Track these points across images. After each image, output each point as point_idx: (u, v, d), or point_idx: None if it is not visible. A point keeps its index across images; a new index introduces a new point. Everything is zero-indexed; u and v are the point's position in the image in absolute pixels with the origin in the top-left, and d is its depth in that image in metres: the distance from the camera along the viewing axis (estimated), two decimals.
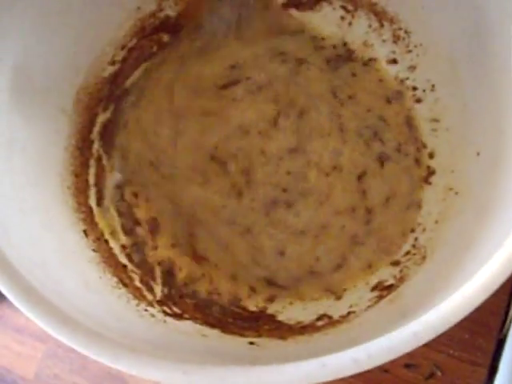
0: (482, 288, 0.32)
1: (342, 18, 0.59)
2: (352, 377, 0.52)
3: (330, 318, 0.49)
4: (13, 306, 0.45)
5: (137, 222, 0.55)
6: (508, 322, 0.54)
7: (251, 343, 0.46)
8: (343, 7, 0.59)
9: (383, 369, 0.54)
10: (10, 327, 0.66)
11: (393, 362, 0.53)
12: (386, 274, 0.51)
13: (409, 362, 0.54)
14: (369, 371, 0.52)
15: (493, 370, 0.53)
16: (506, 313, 0.54)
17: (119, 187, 0.56)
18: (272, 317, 0.52)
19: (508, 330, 0.53)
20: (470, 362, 0.53)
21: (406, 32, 0.56)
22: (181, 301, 0.51)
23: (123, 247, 0.53)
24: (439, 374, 0.53)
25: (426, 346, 0.47)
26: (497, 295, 0.53)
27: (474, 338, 0.54)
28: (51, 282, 0.39)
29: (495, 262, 0.33)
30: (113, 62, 0.57)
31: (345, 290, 0.53)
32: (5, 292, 0.36)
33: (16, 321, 0.66)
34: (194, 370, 0.32)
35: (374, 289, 0.51)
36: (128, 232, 0.55)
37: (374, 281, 0.52)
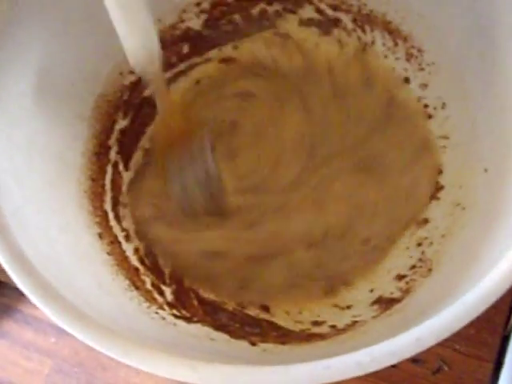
0: (483, 298, 0.33)
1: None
2: None
3: (334, 327, 0.50)
4: (19, 322, 0.46)
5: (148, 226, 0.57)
6: None
7: (255, 344, 0.47)
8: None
9: (392, 364, 0.54)
10: (16, 343, 0.66)
11: None
12: (391, 287, 0.52)
13: (416, 357, 0.54)
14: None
15: (498, 365, 0.54)
16: (511, 309, 0.55)
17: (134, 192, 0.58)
18: (274, 323, 0.53)
19: None
20: (476, 357, 0.54)
21: (418, 51, 0.57)
22: (190, 304, 0.52)
23: (136, 250, 0.55)
24: (446, 368, 0.54)
25: None
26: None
27: (479, 333, 0.55)
28: (66, 280, 0.40)
29: (496, 272, 0.34)
30: (132, 71, 0.58)
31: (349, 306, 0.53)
32: (22, 287, 0.37)
33: (22, 336, 0.66)
34: (203, 367, 0.33)
35: (376, 302, 0.52)
36: (141, 236, 0.56)
37: (376, 295, 0.53)
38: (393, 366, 0.54)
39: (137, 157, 0.59)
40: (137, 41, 0.48)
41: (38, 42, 0.49)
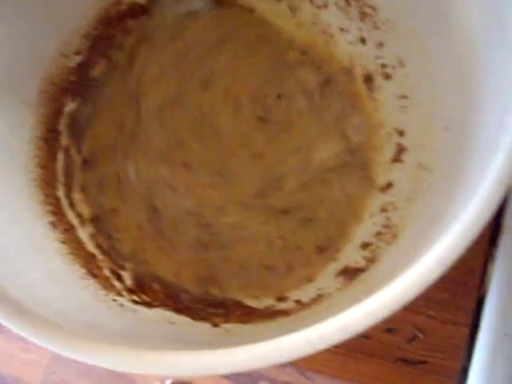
0: (437, 263, 0.32)
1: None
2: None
3: (298, 301, 0.49)
4: None
5: (104, 210, 0.55)
6: (486, 279, 0.53)
7: (217, 325, 0.46)
8: None
9: (364, 335, 0.54)
10: (13, 335, 0.66)
11: (373, 328, 0.53)
12: (356, 256, 0.51)
13: (389, 326, 0.54)
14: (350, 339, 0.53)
15: (474, 329, 0.53)
16: (484, 271, 0.54)
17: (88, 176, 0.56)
18: (239, 302, 0.51)
19: (487, 287, 0.53)
20: (450, 321, 0.53)
21: (372, 9, 0.55)
22: (150, 289, 0.51)
23: (92, 236, 0.53)
24: (421, 336, 0.53)
25: (406, 309, 0.47)
26: (473, 253, 0.54)
27: (453, 297, 0.54)
28: (11, 274, 0.40)
29: (449, 236, 0.32)
30: (78, 52, 0.56)
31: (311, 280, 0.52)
32: None
33: None
34: (147, 356, 0.32)
35: (341, 273, 0.50)
36: (98, 220, 0.55)
37: (341, 265, 0.51)
38: (366, 337, 0.53)
39: (89, 139, 0.57)
40: None
41: None
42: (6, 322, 0.34)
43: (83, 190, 0.55)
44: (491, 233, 0.54)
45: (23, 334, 0.34)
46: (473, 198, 0.33)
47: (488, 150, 0.36)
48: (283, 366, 0.67)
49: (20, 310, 0.35)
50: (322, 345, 0.31)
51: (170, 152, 0.57)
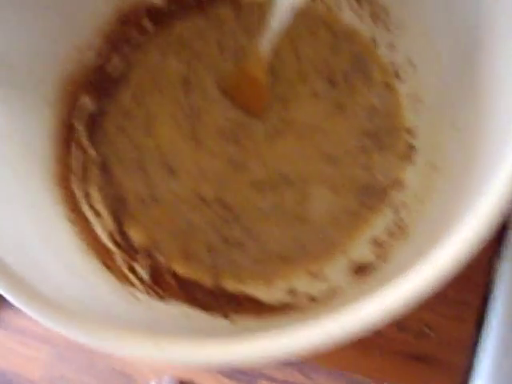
0: (453, 258, 0.33)
1: None
2: None
3: (310, 297, 0.50)
4: (14, 308, 0.46)
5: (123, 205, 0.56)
6: (493, 275, 0.54)
7: (232, 320, 0.46)
8: None
9: (376, 331, 0.54)
10: (12, 330, 0.66)
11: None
12: (367, 253, 0.51)
13: (399, 322, 0.54)
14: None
15: (480, 325, 0.53)
16: (490, 266, 0.55)
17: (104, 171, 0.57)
18: (251, 296, 0.52)
19: (494, 283, 0.53)
20: (458, 318, 0.54)
21: (384, 12, 0.56)
22: (165, 282, 0.51)
23: (110, 233, 0.54)
24: (429, 332, 0.53)
25: None
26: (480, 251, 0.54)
27: (460, 294, 0.54)
28: (30, 263, 0.40)
29: (466, 232, 0.33)
30: (95, 50, 0.57)
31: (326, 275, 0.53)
32: None
33: (18, 323, 0.66)
34: (166, 342, 0.32)
35: (351, 269, 0.51)
36: (115, 216, 0.55)
37: (350, 261, 0.52)
38: (376, 333, 0.54)
39: (103, 134, 0.58)
40: None
41: None
42: (27, 309, 0.34)
43: (100, 184, 0.56)
44: (497, 229, 0.55)
45: (40, 320, 0.34)
46: (487, 194, 0.34)
47: (497, 150, 0.36)
48: (284, 365, 0.67)
49: (40, 300, 0.35)
50: (341, 339, 0.31)
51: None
